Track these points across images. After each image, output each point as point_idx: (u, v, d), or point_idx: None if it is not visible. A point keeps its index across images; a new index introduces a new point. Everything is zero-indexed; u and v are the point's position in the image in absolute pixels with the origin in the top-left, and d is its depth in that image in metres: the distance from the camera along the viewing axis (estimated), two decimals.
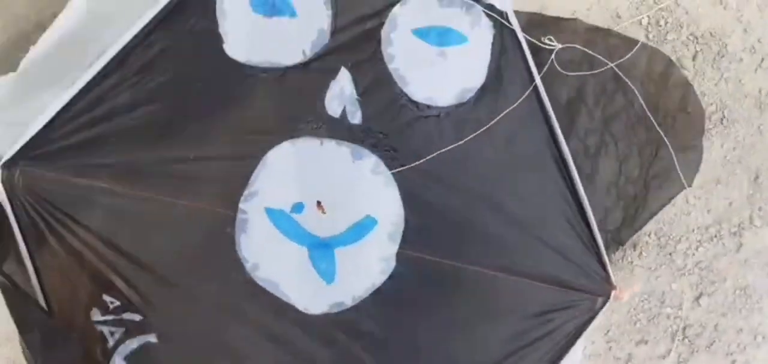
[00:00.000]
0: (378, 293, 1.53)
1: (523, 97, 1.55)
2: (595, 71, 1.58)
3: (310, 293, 1.51)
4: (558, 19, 1.63)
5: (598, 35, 1.63)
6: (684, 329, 1.74)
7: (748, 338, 1.74)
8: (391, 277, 1.52)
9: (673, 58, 1.70)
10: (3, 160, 1.44)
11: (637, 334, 1.71)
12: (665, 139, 1.63)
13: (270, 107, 1.53)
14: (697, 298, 1.74)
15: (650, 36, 1.75)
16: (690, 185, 1.60)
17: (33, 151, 1.46)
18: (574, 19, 1.66)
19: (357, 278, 1.52)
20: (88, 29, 1.53)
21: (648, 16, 1.74)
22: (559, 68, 1.58)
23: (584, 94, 1.64)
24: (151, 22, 1.48)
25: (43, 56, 1.52)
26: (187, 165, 1.49)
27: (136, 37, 1.48)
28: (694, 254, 1.73)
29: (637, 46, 1.59)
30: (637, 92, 1.59)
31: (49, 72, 1.51)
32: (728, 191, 1.78)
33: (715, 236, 1.73)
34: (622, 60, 1.62)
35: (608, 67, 1.58)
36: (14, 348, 1.67)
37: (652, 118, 1.62)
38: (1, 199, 1.45)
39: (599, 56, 1.62)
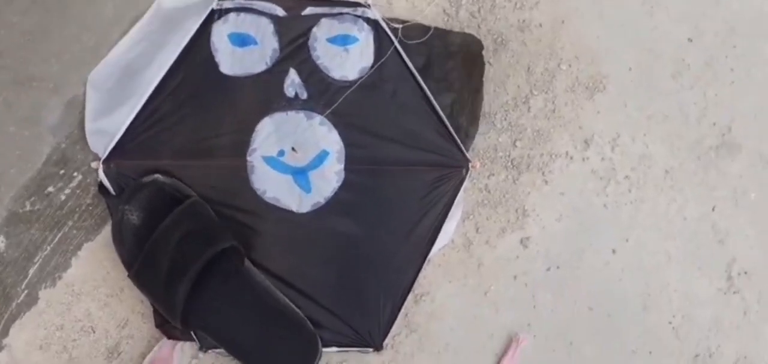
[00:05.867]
0: (338, 192, 2.22)
1: (383, 59, 2.21)
2: (422, 39, 2.25)
3: (298, 201, 2.20)
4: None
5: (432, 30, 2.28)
6: (512, 162, 2.42)
7: (548, 158, 2.42)
8: (343, 182, 2.22)
9: (468, 12, 2.37)
10: (102, 159, 2.09)
11: (486, 171, 2.38)
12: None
13: (253, 98, 2.18)
14: (514, 142, 2.39)
15: (452, 2, 2.36)
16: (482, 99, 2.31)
17: (118, 149, 2.09)
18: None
19: (324, 186, 2.21)
20: (140, 59, 2.14)
21: None
22: (405, 41, 2.25)
23: (429, 58, 2.32)
24: (176, 60, 2.12)
25: (112, 79, 2.11)
26: (212, 141, 2.14)
27: (169, 70, 2.10)
28: (505, 118, 2.40)
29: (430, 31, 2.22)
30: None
31: (118, 92, 2.12)
32: (516, 79, 2.32)
33: (514, 105, 2.38)
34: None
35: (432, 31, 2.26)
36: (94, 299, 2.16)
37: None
38: (107, 184, 2.08)
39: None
